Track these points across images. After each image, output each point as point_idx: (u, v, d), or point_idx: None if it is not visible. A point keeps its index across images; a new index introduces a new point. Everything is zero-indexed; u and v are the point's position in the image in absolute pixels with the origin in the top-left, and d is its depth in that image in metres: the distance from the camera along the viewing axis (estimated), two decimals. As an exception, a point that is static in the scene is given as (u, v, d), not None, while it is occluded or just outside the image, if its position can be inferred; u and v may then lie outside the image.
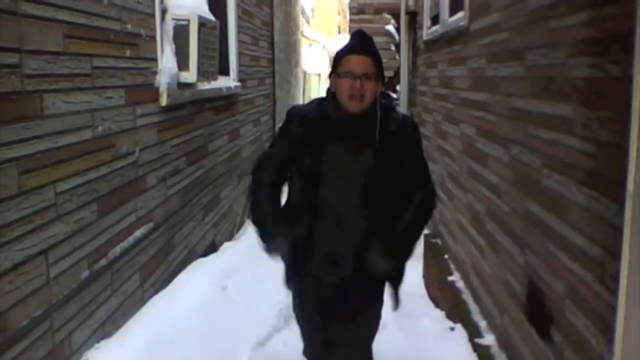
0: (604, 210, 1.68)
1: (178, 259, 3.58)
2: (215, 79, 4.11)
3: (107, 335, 2.57)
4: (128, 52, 2.81)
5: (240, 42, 5.38)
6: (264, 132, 6.85)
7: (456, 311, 3.55)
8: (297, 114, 2.26)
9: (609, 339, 1.60)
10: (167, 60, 3.25)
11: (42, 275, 2.07)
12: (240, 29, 5.39)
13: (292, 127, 2.23)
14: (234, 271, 3.82)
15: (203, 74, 3.67)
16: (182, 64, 3.43)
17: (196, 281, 3.39)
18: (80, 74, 2.33)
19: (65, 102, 2.21)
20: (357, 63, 2.09)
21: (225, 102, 4.79)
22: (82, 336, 2.35)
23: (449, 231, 4.23)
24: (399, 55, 8.35)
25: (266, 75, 7.10)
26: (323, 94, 2.30)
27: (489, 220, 3.03)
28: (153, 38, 3.14)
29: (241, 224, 5.54)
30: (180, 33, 3.40)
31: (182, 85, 3.48)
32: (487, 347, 2.89)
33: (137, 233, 2.91)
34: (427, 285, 4.49)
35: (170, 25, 3.33)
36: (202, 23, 3.53)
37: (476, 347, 3.03)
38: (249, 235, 5.02)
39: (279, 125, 2.69)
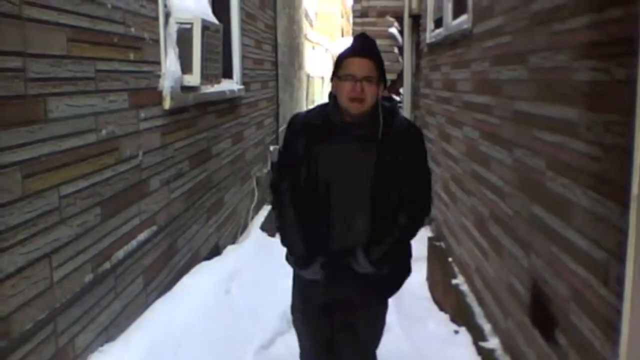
0: (608, 214, 1.67)
1: (181, 262, 3.58)
2: (219, 82, 4.12)
3: (110, 339, 2.56)
4: (132, 56, 2.81)
5: (243, 45, 5.38)
6: (267, 135, 6.86)
7: (460, 314, 3.54)
8: (301, 121, 2.27)
9: (614, 342, 1.59)
10: (170, 63, 3.25)
11: (46, 279, 2.07)
12: (243, 32, 5.40)
13: (296, 135, 2.23)
14: (237, 274, 3.82)
15: (206, 77, 3.67)
16: (186, 68, 3.43)
17: (200, 285, 3.39)
18: (83, 78, 2.33)
19: (69, 105, 2.22)
20: (359, 66, 2.09)
21: (228, 105, 4.79)
22: (85, 340, 2.35)
23: (452, 234, 4.23)
24: (402, 58, 8.35)
25: (269, 79, 7.10)
26: (326, 97, 2.31)
27: (493, 224, 3.03)
28: (157, 41, 3.14)
29: (245, 227, 5.54)
30: (184, 36, 3.40)
31: (186, 89, 3.48)
32: (492, 351, 2.88)
33: (141, 236, 2.91)
34: (431, 288, 4.48)
35: (173, 28, 3.34)
36: (206, 26, 3.54)
37: (480, 351, 3.02)
38: (253, 238, 5.03)
39: (281, 129, 2.71)
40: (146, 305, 2.99)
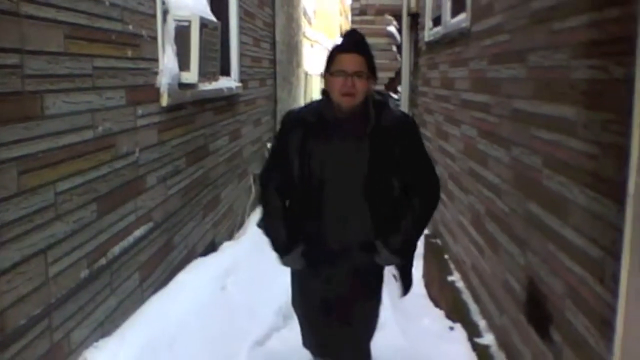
0: (604, 211, 1.67)
1: (178, 258, 3.57)
2: (217, 80, 4.11)
3: (105, 334, 2.56)
4: (129, 53, 2.81)
5: (241, 43, 5.37)
6: (264, 132, 6.85)
7: (456, 311, 3.55)
8: (295, 117, 2.29)
9: (609, 339, 1.59)
10: (168, 60, 3.25)
11: (41, 275, 2.06)
12: (241, 30, 5.39)
13: (291, 131, 2.24)
14: (233, 271, 3.82)
15: (204, 75, 3.67)
16: (183, 65, 3.43)
17: (195, 281, 3.39)
18: (80, 75, 2.33)
19: (66, 102, 2.21)
20: (349, 61, 2.11)
21: (226, 102, 4.79)
22: (80, 335, 2.35)
23: (449, 231, 4.23)
24: (401, 57, 8.35)
25: (267, 76, 7.10)
26: (323, 95, 2.32)
27: (489, 221, 3.03)
28: (154, 39, 3.14)
29: (241, 224, 5.54)
30: (182, 34, 3.40)
31: (183, 86, 3.48)
32: (487, 347, 2.89)
33: (137, 233, 2.91)
34: (427, 285, 4.48)
35: (171, 26, 3.33)
36: (204, 24, 3.53)
37: (475, 347, 3.03)
38: (249, 235, 5.03)
39: (277, 129, 2.73)
40: (142, 301, 2.99)
